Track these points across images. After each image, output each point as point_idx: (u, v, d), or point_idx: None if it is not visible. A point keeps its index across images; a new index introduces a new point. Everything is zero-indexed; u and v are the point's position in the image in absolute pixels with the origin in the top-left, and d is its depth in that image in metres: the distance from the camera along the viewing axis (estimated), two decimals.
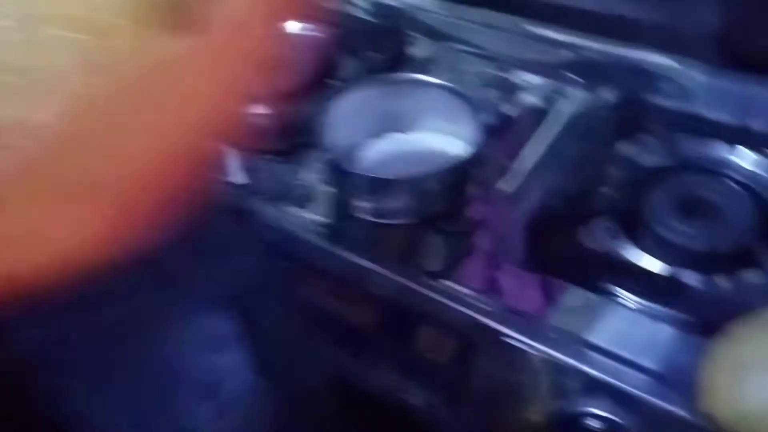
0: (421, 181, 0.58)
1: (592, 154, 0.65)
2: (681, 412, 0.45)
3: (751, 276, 0.54)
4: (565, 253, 0.56)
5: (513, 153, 0.63)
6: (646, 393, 0.47)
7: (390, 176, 0.58)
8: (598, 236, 0.58)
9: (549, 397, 0.50)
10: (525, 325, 0.51)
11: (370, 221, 0.60)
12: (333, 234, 0.61)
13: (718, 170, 0.62)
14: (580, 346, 0.50)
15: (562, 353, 0.49)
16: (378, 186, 0.59)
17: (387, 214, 0.60)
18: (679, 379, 0.46)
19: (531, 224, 0.60)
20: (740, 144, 0.63)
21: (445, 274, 0.56)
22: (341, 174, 0.60)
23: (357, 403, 0.62)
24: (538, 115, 0.67)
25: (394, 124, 0.67)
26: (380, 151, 0.65)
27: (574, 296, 0.53)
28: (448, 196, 0.60)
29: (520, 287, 0.55)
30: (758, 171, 0.61)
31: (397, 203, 0.59)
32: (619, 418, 0.47)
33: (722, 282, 0.54)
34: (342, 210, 0.62)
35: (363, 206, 0.60)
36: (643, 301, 0.53)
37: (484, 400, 0.53)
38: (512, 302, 0.53)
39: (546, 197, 0.62)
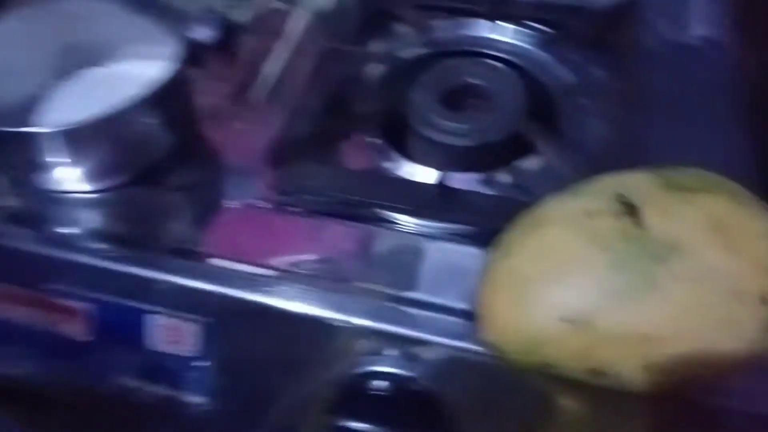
0: (110, 123, 0.42)
1: (343, 57, 0.55)
2: (471, 347, 0.36)
3: (528, 164, 0.48)
4: (325, 181, 0.46)
5: (247, 68, 0.51)
6: (433, 334, 0.37)
7: (62, 127, 0.41)
8: (360, 154, 0.49)
9: (323, 364, 0.40)
10: (290, 287, 0.40)
11: (63, 193, 0.45)
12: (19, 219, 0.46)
13: (478, 50, 0.54)
14: (349, 294, 0.39)
15: (326, 308, 0.39)
16: (53, 142, 0.42)
17: (82, 180, 0.45)
18: (470, 308, 0.37)
19: (279, 150, 0.47)
20: (498, 19, 0.56)
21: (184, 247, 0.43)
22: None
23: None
24: (276, 19, 0.56)
25: (82, 57, 0.51)
26: (65, 97, 0.49)
27: (341, 233, 0.44)
28: (159, 137, 0.46)
29: (280, 238, 0.44)
30: (519, 43, 0.54)
31: (90, 161, 0.44)
32: (408, 371, 0.38)
33: (502, 177, 0.48)
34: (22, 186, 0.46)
35: (48, 175, 0.44)
36: (420, 221, 0.44)
37: (250, 386, 0.43)
38: (270, 259, 0.42)
39: (294, 115, 0.51)
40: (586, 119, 0.50)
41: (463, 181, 0.47)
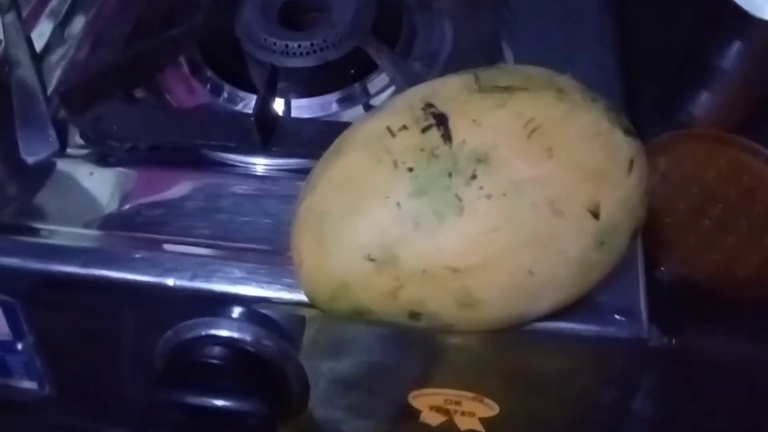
0: None
1: None
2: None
3: (375, 81, 0.43)
4: (137, 123, 0.39)
5: None
6: (266, 289, 0.32)
7: None
8: (182, 85, 0.42)
9: (147, 334, 0.36)
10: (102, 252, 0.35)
11: None
12: None
13: None
14: (169, 253, 0.34)
15: (143, 271, 0.33)
16: None
17: None
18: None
19: (78, 89, 0.39)
20: None
21: None
22: None
23: None
24: None
25: None
26: None
27: (158, 181, 0.37)
28: None
29: (88, 194, 0.38)
30: None
31: None
32: (244, 334, 0.33)
33: (349, 99, 0.42)
34: None
35: None
36: (251, 159, 0.37)
37: (75, 365, 0.38)
38: (78, 220, 0.35)
39: (97, 43, 0.43)
40: (435, 24, 0.44)
41: (304, 108, 0.42)
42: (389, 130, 0.27)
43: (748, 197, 0.57)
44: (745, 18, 0.49)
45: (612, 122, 0.27)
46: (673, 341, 0.33)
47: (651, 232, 0.54)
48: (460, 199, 0.25)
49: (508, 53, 0.43)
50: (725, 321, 0.47)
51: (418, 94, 0.29)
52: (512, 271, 0.25)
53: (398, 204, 0.26)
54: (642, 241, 0.34)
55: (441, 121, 0.27)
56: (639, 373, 0.36)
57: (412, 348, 0.34)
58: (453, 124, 0.27)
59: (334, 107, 0.42)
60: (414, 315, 0.27)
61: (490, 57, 0.42)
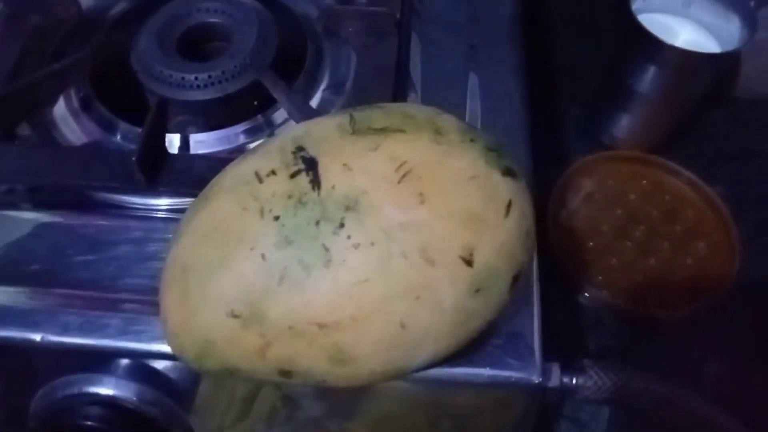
0: None
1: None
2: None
3: (280, 112, 0.41)
4: (14, 163, 0.36)
5: None
6: (144, 344, 0.30)
7: None
8: (73, 122, 0.39)
9: (20, 392, 0.33)
10: None
11: None
12: None
13: None
14: (44, 305, 0.31)
15: (15, 325, 0.31)
16: None
17: None
18: None
19: None
20: None
21: None
22: None
23: None
24: None
25: None
26: None
27: (33, 225, 0.35)
28: None
29: None
30: None
31: None
32: (124, 392, 0.31)
33: (248, 132, 0.41)
34: None
35: None
36: (136, 199, 0.35)
37: None
38: None
39: None
40: (342, 52, 0.43)
41: (205, 142, 0.40)
42: (257, 175, 0.26)
43: (670, 217, 0.57)
44: (658, 44, 0.49)
45: (490, 163, 0.26)
46: (575, 381, 0.32)
47: (572, 258, 0.54)
48: (327, 249, 0.24)
49: (417, 78, 0.42)
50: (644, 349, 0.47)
51: (291, 135, 0.27)
52: (384, 324, 0.24)
53: (263, 256, 0.24)
54: (562, 269, 0.33)
55: (310, 165, 0.25)
56: (545, 411, 0.35)
57: (307, 400, 0.32)
58: (323, 168, 0.25)
59: (241, 139, 0.40)
60: (285, 373, 0.25)
61: (395, 83, 0.41)
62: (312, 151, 0.26)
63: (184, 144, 0.40)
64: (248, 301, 0.24)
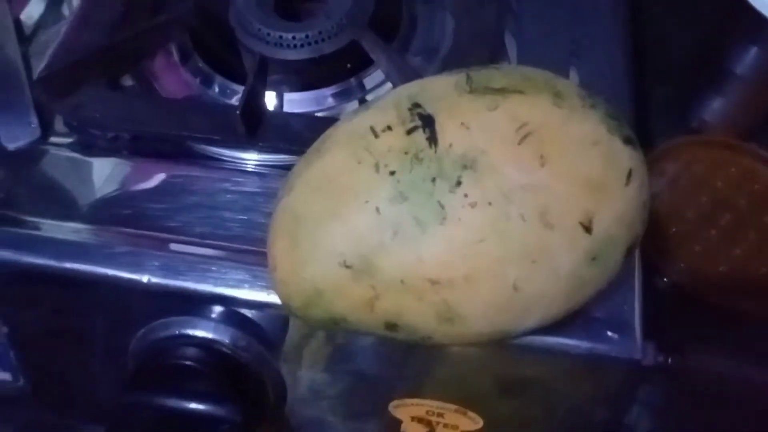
0: None
1: None
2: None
3: (372, 76, 0.41)
4: (119, 111, 0.37)
5: None
6: (243, 291, 0.31)
7: None
8: (171, 74, 0.40)
9: (121, 332, 0.34)
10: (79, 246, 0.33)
11: None
12: None
13: None
14: (146, 248, 0.32)
15: (119, 266, 0.32)
16: None
17: None
18: None
19: (60, 74, 0.37)
20: None
21: None
22: None
23: None
24: None
25: None
26: None
27: (138, 173, 0.36)
28: None
29: (68, 185, 0.37)
30: None
31: None
32: (219, 335, 0.32)
33: (343, 94, 0.41)
34: None
35: None
36: (236, 153, 0.36)
37: (46, 359, 0.37)
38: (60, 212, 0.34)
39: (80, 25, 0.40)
40: (437, 17, 0.43)
41: (297, 102, 0.40)
42: (372, 130, 0.26)
43: (758, 207, 0.55)
44: (763, 23, 0.47)
45: (611, 131, 0.25)
46: (670, 360, 0.31)
47: (655, 241, 0.53)
48: (443, 207, 0.24)
49: (511, 48, 0.41)
50: (728, 338, 0.46)
51: (406, 92, 0.27)
52: (497, 286, 0.24)
53: (377, 209, 0.24)
54: (643, 252, 0.33)
55: (427, 122, 0.25)
56: (633, 391, 0.34)
57: (395, 358, 0.32)
58: (440, 126, 0.25)
59: (330, 102, 0.40)
60: (391, 326, 0.25)
61: (493, 52, 0.40)
62: (429, 108, 0.26)
63: (279, 103, 0.40)
64: (360, 253, 0.24)
